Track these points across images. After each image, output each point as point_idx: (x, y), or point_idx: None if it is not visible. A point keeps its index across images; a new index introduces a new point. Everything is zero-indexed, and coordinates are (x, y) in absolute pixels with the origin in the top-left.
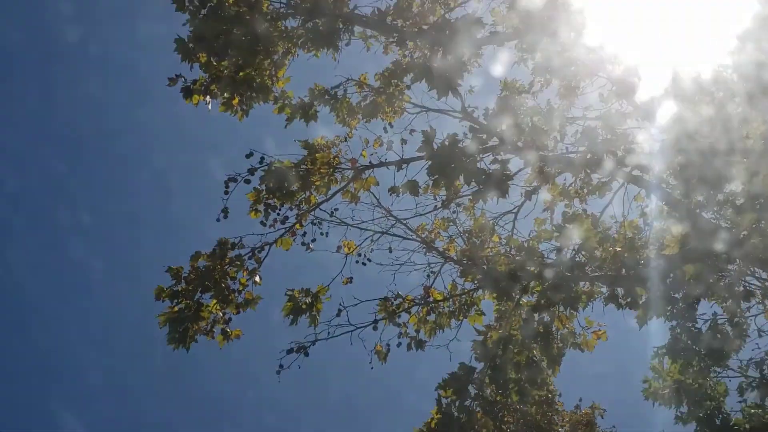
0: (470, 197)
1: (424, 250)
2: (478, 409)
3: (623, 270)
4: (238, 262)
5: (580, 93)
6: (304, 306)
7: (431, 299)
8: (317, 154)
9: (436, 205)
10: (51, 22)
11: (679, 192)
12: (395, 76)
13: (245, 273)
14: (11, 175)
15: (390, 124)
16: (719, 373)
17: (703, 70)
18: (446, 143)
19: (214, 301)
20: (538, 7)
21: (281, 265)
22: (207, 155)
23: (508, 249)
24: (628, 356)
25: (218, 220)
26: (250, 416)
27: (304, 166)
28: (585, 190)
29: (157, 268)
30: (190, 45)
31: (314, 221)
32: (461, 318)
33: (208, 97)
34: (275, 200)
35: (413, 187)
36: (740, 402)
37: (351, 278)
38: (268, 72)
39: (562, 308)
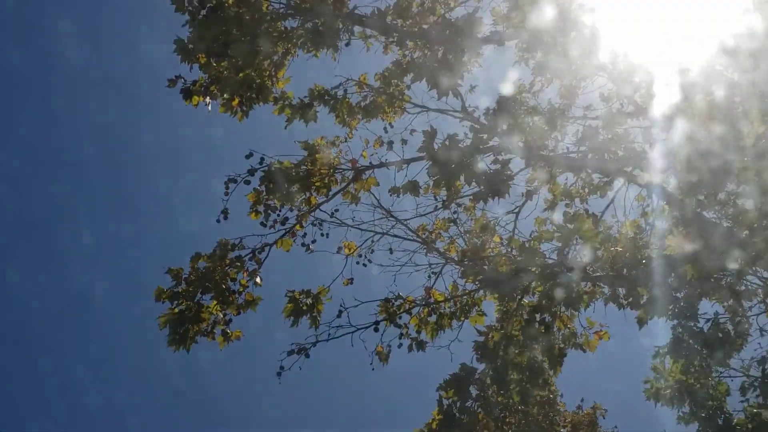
0: (471, 197)
1: (425, 250)
2: (479, 409)
3: (624, 270)
4: (239, 263)
5: (581, 92)
6: (304, 307)
7: (432, 300)
8: (317, 155)
9: (436, 206)
10: (52, 42)
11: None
12: (395, 76)
13: (245, 274)
14: (11, 196)
15: (390, 124)
16: (721, 372)
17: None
18: (447, 143)
19: (215, 303)
20: (538, 7)
21: (281, 266)
22: (209, 173)
23: (509, 249)
24: (630, 356)
25: (218, 221)
26: (250, 417)
27: (304, 167)
28: (586, 190)
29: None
30: (190, 46)
31: (315, 222)
32: (462, 319)
33: (208, 98)
34: (275, 201)
35: (414, 188)
36: (742, 402)
37: (352, 279)
38: (267, 72)
39: (563, 308)
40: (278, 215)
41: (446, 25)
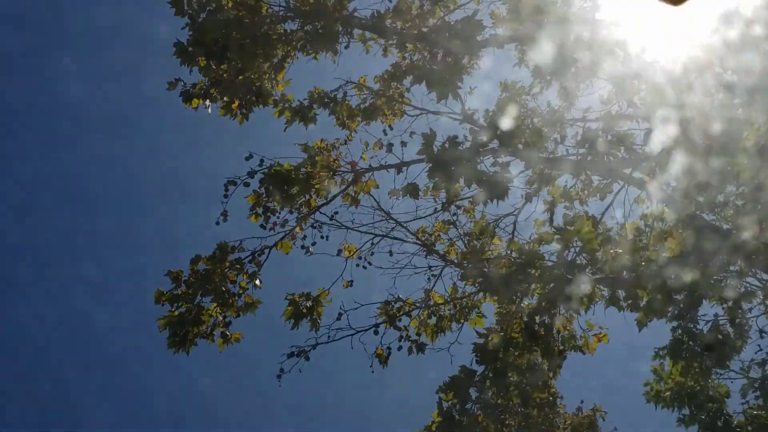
0: (470, 200)
1: (425, 253)
2: (479, 412)
3: (624, 272)
4: (238, 266)
5: (581, 95)
6: (304, 310)
7: (432, 302)
8: (317, 157)
9: (436, 208)
10: (55, 79)
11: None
12: (395, 79)
13: (245, 276)
14: (13, 228)
15: (390, 126)
16: (721, 374)
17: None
18: (446, 145)
19: (215, 305)
20: (537, 10)
21: (281, 268)
22: (209, 174)
23: (509, 251)
24: (630, 357)
25: (218, 223)
26: (250, 418)
27: (304, 169)
28: (586, 192)
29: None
30: (189, 49)
31: (314, 224)
32: (462, 321)
33: (208, 101)
34: (275, 203)
35: (413, 190)
36: (742, 404)
37: (351, 282)
38: (267, 75)
39: (562, 311)
40: (278, 218)
41: (445, 28)
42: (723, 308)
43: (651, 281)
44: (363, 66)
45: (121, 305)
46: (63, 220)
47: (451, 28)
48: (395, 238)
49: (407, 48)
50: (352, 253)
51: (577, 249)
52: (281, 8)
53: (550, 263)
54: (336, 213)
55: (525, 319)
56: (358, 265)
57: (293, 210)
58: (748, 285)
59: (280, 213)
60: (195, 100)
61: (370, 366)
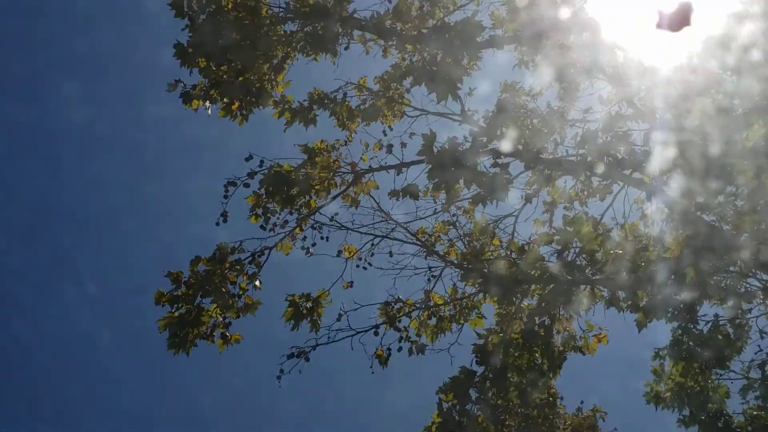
0: (470, 200)
1: (425, 253)
2: (479, 412)
3: (624, 273)
4: (238, 267)
5: (580, 95)
6: (305, 311)
7: (432, 303)
8: (317, 158)
9: (436, 209)
10: (57, 103)
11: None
12: (395, 80)
13: (245, 277)
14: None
15: (390, 127)
16: (721, 375)
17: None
18: (446, 146)
19: (215, 306)
20: (537, 10)
21: (281, 269)
22: (209, 175)
23: (509, 252)
24: (631, 357)
25: (218, 224)
26: (250, 419)
27: (304, 170)
28: (585, 193)
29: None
30: (189, 50)
31: (314, 225)
32: (462, 322)
33: (208, 102)
34: (275, 204)
35: (413, 191)
36: (742, 404)
37: (351, 283)
38: (267, 76)
39: (562, 311)
40: (278, 218)
41: (445, 29)
42: (723, 309)
43: (651, 282)
44: (363, 67)
45: (121, 322)
46: (66, 241)
47: (451, 29)
48: (395, 239)
49: (407, 49)
50: (352, 254)
51: (577, 250)
52: (281, 9)
53: (550, 264)
54: (336, 214)
55: (525, 319)
56: (358, 266)
57: (293, 211)
58: (748, 285)
59: (280, 214)
60: (195, 101)
61: (370, 367)
